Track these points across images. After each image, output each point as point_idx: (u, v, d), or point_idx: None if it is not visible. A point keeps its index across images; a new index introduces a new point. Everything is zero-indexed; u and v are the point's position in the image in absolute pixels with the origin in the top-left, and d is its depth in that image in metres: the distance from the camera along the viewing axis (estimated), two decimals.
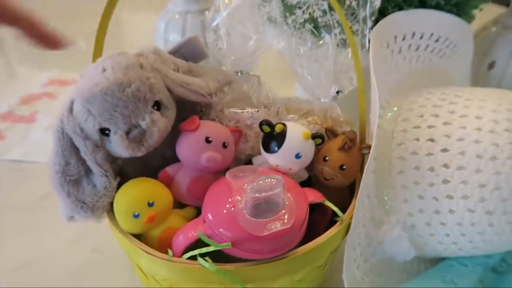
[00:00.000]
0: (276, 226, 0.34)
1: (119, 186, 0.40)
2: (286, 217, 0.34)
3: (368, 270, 0.46)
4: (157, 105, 0.38)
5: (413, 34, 0.50)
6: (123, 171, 0.42)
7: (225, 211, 0.35)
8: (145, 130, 0.37)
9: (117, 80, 0.35)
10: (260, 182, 0.34)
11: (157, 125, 0.37)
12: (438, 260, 0.50)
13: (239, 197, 0.35)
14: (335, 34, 0.47)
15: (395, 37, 0.48)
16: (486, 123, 0.41)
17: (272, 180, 0.34)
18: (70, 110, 0.37)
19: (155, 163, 0.43)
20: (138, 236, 0.38)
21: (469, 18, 0.54)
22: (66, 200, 0.38)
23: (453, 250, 0.45)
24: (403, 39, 0.49)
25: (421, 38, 0.51)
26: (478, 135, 0.41)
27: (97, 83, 0.35)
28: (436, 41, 0.52)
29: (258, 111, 0.43)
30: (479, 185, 0.40)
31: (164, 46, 0.77)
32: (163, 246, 0.38)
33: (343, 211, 0.41)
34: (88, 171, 0.39)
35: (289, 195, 0.36)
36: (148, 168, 0.42)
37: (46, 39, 0.37)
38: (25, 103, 0.95)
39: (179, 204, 0.41)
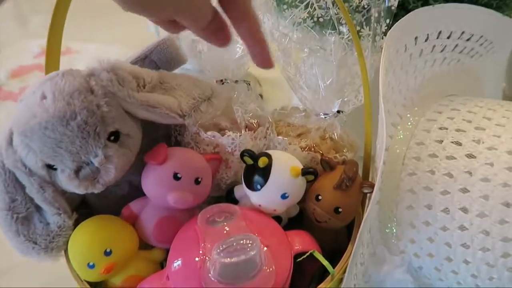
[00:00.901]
0: None
1: (79, 221, 0.34)
2: (262, 281, 0.29)
3: None
4: (114, 136, 0.31)
5: (439, 34, 0.41)
6: (85, 200, 0.37)
7: (190, 269, 0.30)
8: (98, 167, 0.30)
9: (59, 112, 0.28)
10: (233, 244, 0.28)
11: (113, 161, 0.31)
12: None
13: (208, 252, 0.29)
14: (341, 33, 0.38)
15: (416, 38, 0.39)
16: None
17: (247, 241, 0.28)
18: (10, 141, 0.31)
19: (121, 192, 0.37)
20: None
21: (511, 10, 0.44)
22: (14, 239, 0.33)
23: None
24: (426, 40, 0.40)
25: (448, 37, 0.41)
26: (508, 177, 0.33)
27: (35, 114, 0.29)
28: (468, 40, 0.43)
29: (240, 135, 0.35)
30: (503, 239, 0.33)
31: (154, 26, 0.68)
32: None
33: (338, 255, 0.35)
34: (39, 207, 0.33)
35: (266, 250, 0.30)
36: (114, 198, 0.37)
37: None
38: (16, 77, 0.89)
39: (147, 243, 0.36)
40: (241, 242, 0.28)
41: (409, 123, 0.40)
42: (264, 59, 0.29)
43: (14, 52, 0.96)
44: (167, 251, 0.36)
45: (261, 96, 0.71)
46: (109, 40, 0.92)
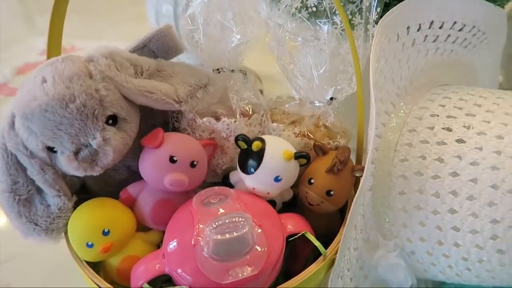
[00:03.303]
0: (242, 272, 0.29)
1: (78, 203, 0.35)
2: (255, 260, 0.30)
3: None
4: (112, 119, 0.32)
5: (431, 24, 0.41)
6: (85, 185, 0.38)
7: (185, 247, 0.30)
8: (96, 149, 0.31)
9: (58, 94, 0.29)
10: (226, 221, 0.29)
11: (111, 143, 0.32)
12: (439, 282, 0.45)
13: (201, 232, 0.30)
14: (334, 24, 0.39)
15: (408, 28, 0.40)
16: (508, 145, 0.34)
17: (240, 219, 0.29)
18: (12, 124, 0.32)
19: (120, 176, 0.38)
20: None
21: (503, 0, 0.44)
22: (16, 221, 0.34)
23: (456, 280, 0.40)
24: (418, 29, 0.41)
25: (440, 27, 0.42)
26: (496, 160, 0.34)
27: (35, 97, 0.30)
28: (460, 30, 0.43)
29: (235, 121, 0.36)
30: (492, 221, 0.34)
31: (155, 18, 0.70)
32: (123, 276, 0.34)
33: (331, 238, 0.36)
34: (40, 190, 0.35)
35: (259, 231, 0.31)
36: (113, 182, 0.38)
37: None
38: (21, 74, 0.91)
39: (144, 226, 0.37)
40: (234, 220, 0.29)
41: (401, 111, 0.41)
42: None
43: (20, 50, 0.98)
44: (163, 233, 0.37)
45: (261, 91, 0.71)
46: (113, 38, 0.93)
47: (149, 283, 0.31)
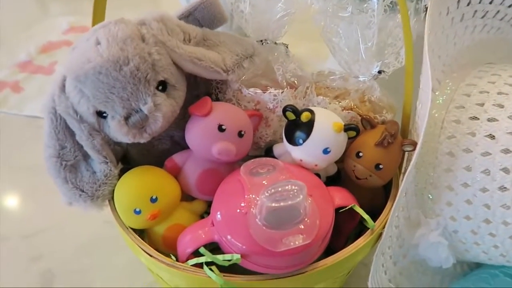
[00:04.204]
0: (295, 241, 0.29)
1: (123, 172, 0.35)
2: (307, 229, 0.29)
3: (397, 273, 0.41)
4: (162, 85, 0.32)
5: None
6: (128, 155, 0.38)
7: (235, 215, 0.30)
8: (147, 115, 0.31)
9: (113, 56, 0.29)
10: (279, 189, 0.28)
11: (161, 109, 0.31)
12: (477, 263, 0.44)
13: (253, 200, 0.30)
14: None
15: (458, 1, 0.39)
16: None
17: (293, 187, 0.29)
18: (63, 88, 0.32)
19: (163, 146, 0.38)
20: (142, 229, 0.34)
21: None
22: (63, 186, 0.34)
23: (499, 261, 0.39)
24: (468, 4, 0.40)
25: (490, 2, 0.41)
26: None
27: (89, 59, 0.29)
28: (510, 6, 0.42)
29: (282, 92, 0.36)
30: None
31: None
32: (168, 244, 0.34)
33: (376, 214, 0.35)
34: (86, 156, 0.34)
35: (310, 200, 0.30)
36: (155, 152, 0.38)
37: None
38: (45, 52, 0.91)
39: (188, 195, 0.36)
40: (287, 188, 0.29)
41: (448, 88, 0.40)
42: None
43: (44, 29, 0.98)
44: (207, 203, 0.36)
45: None
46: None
47: (196, 253, 0.31)
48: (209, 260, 0.30)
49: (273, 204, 0.28)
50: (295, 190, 0.29)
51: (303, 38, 0.55)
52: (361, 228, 0.36)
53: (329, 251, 0.33)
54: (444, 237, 0.39)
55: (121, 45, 0.29)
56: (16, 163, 0.62)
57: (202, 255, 0.30)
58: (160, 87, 0.32)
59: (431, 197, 0.39)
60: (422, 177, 0.39)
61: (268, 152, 0.38)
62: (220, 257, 0.29)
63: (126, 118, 0.31)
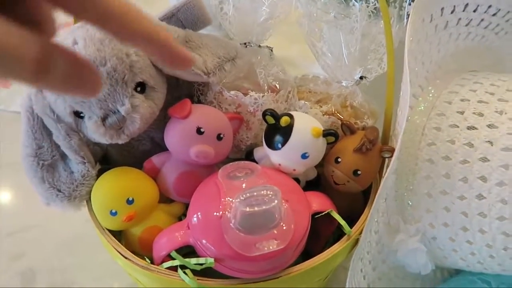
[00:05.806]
0: (269, 246, 0.28)
1: (101, 172, 0.35)
2: (281, 234, 0.29)
3: (376, 278, 0.41)
4: (141, 87, 0.32)
5: (466, 6, 0.40)
6: (108, 155, 0.38)
7: (211, 218, 0.30)
8: (124, 116, 0.31)
9: (89, 56, 0.29)
10: (255, 193, 0.28)
11: (139, 111, 0.31)
12: (457, 270, 0.44)
13: (228, 204, 0.30)
14: (367, 1, 0.38)
15: (442, 9, 0.39)
16: None
17: (269, 192, 0.29)
18: None
19: (143, 147, 0.38)
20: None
21: None
22: (39, 186, 0.34)
23: (477, 268, 0.39)
24: (452, 11, 0.40)
25: (474, 11, 0.41)
26: None
27: None
28: (494, 15, 0.42)
29: (263, 95, 0.36)
30: None
31: None
32: (144, 246, 0.34)
33: (354, 220, 0.35)
34: (64, 156, 0.34)
35: (286, 206, 0.30)
36: (136, 153, 0.38)
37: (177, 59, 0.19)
38: None
39: (167, 197, 0.36)
40: (262, 192, 0.29)
41: (430, 95, 0.40)
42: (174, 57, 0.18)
43: None
44: (185, 205, 0.36)
45: None
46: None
47: (171, 256, 0.31)
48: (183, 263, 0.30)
49: (247, 209, 0.28)
50: (270, 195, 0.29)
51: (294, 41, 0.55)
52: (341, 232, 0.36)
53: (307, 255, 0.33)
54: (423, 243, 0.39)
55: (98, 46, 0.29)
56: (1, 159, 0.62)
57: None
58: (139, 89, 0.32)
59: (410, 203, 0.39)
60: (402, 183, 0.39)
61: (249, 155, 0.38)
62: (193, 260, 0.29)
63: (104, 119, 0.31)
